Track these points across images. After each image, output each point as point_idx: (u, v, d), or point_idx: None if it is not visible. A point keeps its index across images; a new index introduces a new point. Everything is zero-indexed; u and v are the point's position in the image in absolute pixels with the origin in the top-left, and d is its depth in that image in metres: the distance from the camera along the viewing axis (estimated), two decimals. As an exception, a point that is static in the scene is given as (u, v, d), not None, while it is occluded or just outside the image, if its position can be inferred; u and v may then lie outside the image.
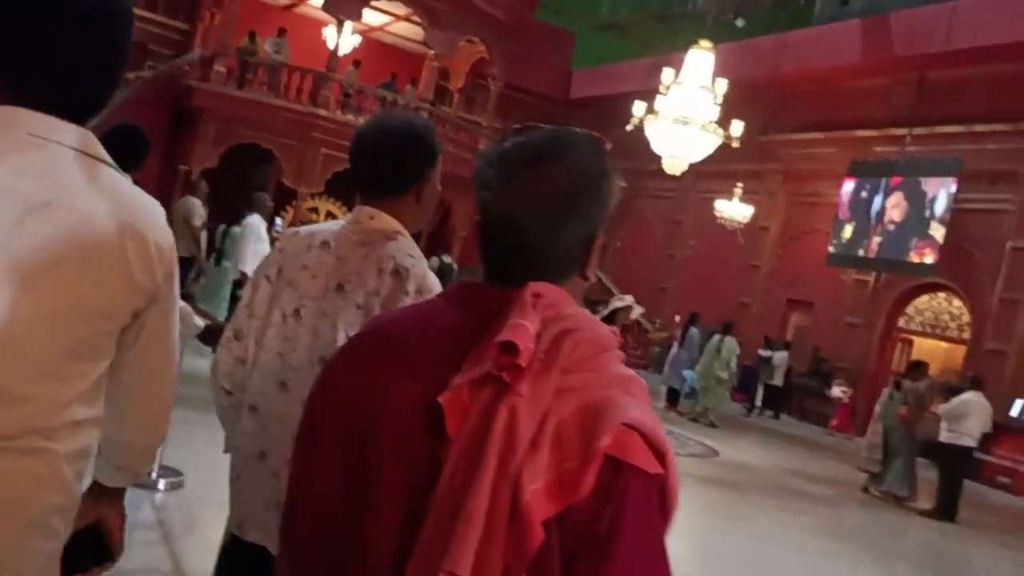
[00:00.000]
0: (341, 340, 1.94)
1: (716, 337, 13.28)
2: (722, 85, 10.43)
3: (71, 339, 1.38)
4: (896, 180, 16.10)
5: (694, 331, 13.84)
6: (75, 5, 1.39)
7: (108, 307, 1.43)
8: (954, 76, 16.28)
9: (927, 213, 15.30)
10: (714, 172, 21.68)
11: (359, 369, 1.14)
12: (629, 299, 6.90)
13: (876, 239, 16.37)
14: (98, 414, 1.47)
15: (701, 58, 10.55)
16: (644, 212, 24.38)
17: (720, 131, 10.39)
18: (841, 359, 17.25)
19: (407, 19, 21.91)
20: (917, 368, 10.44)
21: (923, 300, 16.76)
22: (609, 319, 6.42)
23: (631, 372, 1.11)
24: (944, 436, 9.73)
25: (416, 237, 2.17)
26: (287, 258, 2.12)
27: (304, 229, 2.22)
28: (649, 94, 23.76)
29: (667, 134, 10.30)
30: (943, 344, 16.29)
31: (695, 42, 10.88)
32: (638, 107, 10.79)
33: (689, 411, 13.33)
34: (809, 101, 17.85)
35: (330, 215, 20.90)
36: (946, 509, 9.42)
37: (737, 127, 10.55)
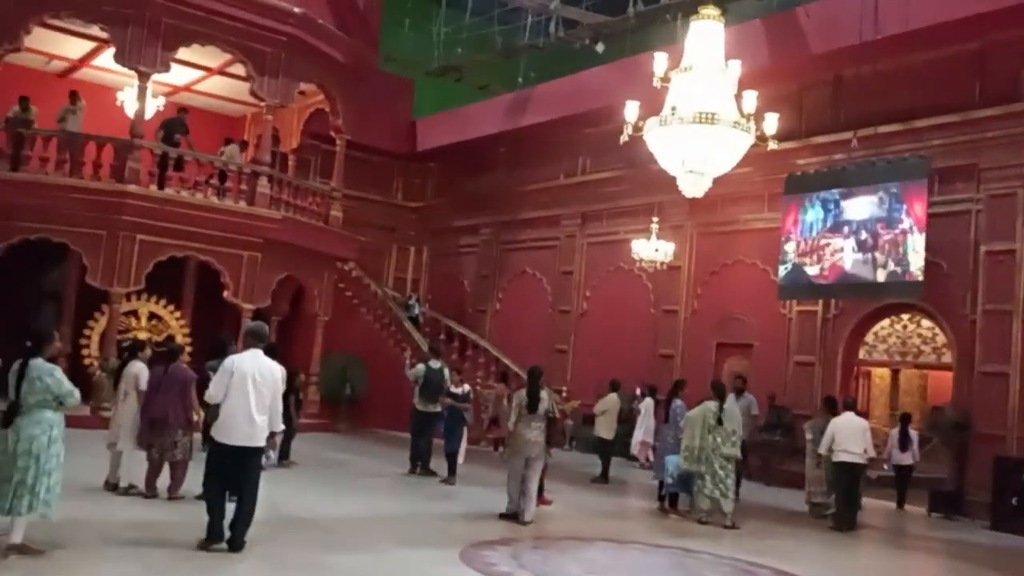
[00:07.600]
0: None
1: (709, 404, 10.19)
2: (735, 68, 7.49)
3: None
4: (846, 192, 13.87)
5: (678, 403, 10.81)
6: None
7: None
8: (874, 71, 14.44)
9: (898, 224, 13.04)
10: (595, 213, 19.26)
11: None
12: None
13: (831, 262, 14.02)
14: None
15: (708, 32, 7.52)
16: (521, 266, 21.48)
17: (751, 127, 7.34)
18: (799, 404, 14.80)
19: (221, 72, 18.19)
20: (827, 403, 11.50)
21: (883, 326, 14.64)
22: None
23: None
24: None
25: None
26: None
27: None
28: (508, 135, 21.38)
29: (682, 139, 7.16)
30: (918, 372, 14.16)
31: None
32: (631, 109, 7.55)
33: (694, 511, 10.11)
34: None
35: (155, 318, 16.56)
36: None
37: (771, 121, 7.53)
